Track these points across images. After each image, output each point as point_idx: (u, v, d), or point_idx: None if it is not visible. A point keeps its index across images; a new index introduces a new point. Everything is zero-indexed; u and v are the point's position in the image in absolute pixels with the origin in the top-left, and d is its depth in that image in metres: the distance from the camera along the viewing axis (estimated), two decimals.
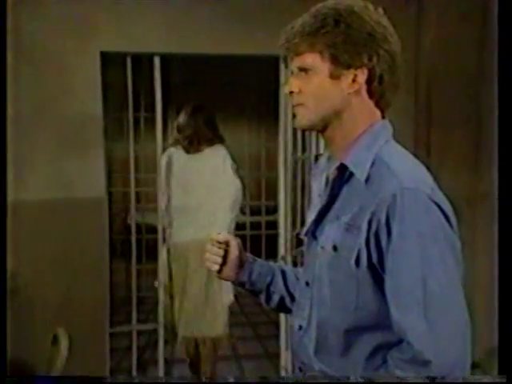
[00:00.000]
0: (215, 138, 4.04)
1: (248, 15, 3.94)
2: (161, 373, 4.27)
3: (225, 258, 1.77)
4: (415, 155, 3.86)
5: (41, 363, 2.85)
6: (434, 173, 3.99)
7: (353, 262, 1.45)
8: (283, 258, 3.95)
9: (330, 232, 1.53)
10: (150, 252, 5.49)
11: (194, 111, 4.09)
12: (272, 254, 4.55)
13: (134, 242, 4.29)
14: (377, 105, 1.54)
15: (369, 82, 1.50)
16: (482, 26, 3.97)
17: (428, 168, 1.51)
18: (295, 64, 1.55)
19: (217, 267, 1.76)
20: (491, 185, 3.94)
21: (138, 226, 4.92)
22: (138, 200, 5.51)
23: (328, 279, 1.55)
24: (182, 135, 4.02)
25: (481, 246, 4.15)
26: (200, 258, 1.98)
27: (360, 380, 1.47)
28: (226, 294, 4.06)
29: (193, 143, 3.98)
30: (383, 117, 1.58)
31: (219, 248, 1.75)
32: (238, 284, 1.84)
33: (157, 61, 3.88)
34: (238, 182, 3.99)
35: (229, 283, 2.15)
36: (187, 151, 3.99)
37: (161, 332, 4.20)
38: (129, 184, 4.34)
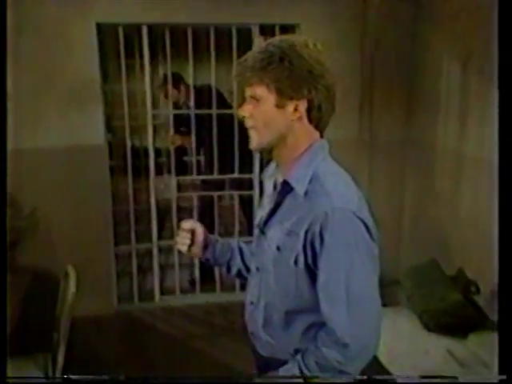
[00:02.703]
0: None
1: None
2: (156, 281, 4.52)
3: (192, 240, 1.85)
4: (361, 108, 4.17)
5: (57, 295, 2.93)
6: (378, 122, 4.32)
7: (292, 261, 1.54)
8: None
9: (275, 234, 1.60)
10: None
11: None
12: None
13: (129, 166, 4.37)
14: (316, 128, 1.58)
15: (309, 110, 1.53)
16: (416, 4, 4.14)
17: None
18: (247, 93, 1.57)
19: (185, 248, 1.85)
20: (421, 132, 4.28)
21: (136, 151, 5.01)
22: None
23: (273, 271, 1.62)
24: None
25: (408, 178, 4.50)
26: None
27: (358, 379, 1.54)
28: None
29: None
30: (322, 136, 1.62)
31: (187, 233, 1.84)
32: (204, 260, 1.93)
33: (144, 30, 3.95)
34: None
35: None
36: None
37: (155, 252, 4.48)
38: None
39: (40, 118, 3.90)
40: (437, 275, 3.44)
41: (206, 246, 1.89)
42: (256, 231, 1.75)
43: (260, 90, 1.52)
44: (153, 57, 4.22)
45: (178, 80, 4.61)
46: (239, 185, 4.55)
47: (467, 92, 3.66)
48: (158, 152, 5.01)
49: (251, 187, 4.45)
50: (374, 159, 4.37)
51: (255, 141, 1.59)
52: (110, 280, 4.38)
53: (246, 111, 1.57)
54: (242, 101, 1.62)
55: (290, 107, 1.52)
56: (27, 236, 3.93)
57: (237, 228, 4.61)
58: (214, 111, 4.29)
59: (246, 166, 4.35)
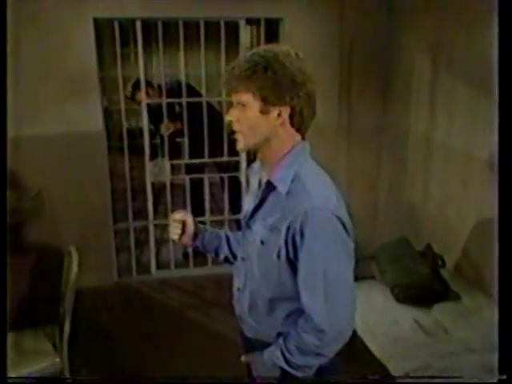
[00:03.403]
0: None
1: None
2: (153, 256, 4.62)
3: (183, 230, 1.88)
4: (340, 96, 4.22)
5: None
6: (355, 109, 4.41)
7: (275, 255, 1.56)
8: None
9: (259, 229, 1.61)
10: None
11: None
12: None
13: (125, 146, 4.39)
14: (298, 131, 1.58)
15: (291, 116, 1.53)
16: (390, 1, 4.20)
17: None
18: (234, 99, 1.56)
19: (177, 237, 1.87)
20: (395, 119, 4.35)
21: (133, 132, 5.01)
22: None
23: (257, 262, 1.65)
24: None
25: (383, 162, 4.57)
26: None
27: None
28: None
29: None
30: (303, 138, 1.62)
31: (178, 224, 1.86)
32: (193, 247, 1.97)
33: (138, 24, 3.96)
34: None
35: None
36: None
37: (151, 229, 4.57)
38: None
39: (41, 106, 3.93)
40: (407, 251, 3.52)
41: (195, 235, 1.91)
42: (242, 223, 1.77)
43: (246, 97, 1.52)
44: (146, 45, 4.23)
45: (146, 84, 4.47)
46: (228, 167, 4.62)
47: (436, 83, 3.73)
48: (152, 134, 5.02)
49: (237, 169, 4.54)
50: (351, 143, 4.45)
51: (241, 143, 1.60)
52: (110, 255, 4.47)
53: (232, 116, 1.58)
54: (230, 106, 1.62)
55: (274, 113, 1.52)
56: (33, 216, 3.99)
57: (226, 205, 4.70)
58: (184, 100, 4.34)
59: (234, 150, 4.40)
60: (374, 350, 2.77)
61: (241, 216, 1.83)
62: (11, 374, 2.59)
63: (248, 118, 1.54)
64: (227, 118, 1.61)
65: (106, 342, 3.67)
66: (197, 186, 4.61)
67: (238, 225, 4.58)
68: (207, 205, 4.64)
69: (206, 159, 4.48)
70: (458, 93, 3.47)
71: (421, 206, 4.09)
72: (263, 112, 1.52)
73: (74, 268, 2.76)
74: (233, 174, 4.59)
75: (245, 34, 4.26)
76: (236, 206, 4.61)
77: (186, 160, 4.52)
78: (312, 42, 4.17)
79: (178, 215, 1.87)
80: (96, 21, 3.88)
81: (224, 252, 1.97)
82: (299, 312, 1.59)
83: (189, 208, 4.56)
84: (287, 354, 1.59)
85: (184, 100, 4.32)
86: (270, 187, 1.60)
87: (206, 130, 4.35)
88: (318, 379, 1.69)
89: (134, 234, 4.61)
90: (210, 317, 4.02)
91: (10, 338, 2.74)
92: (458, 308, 3.11)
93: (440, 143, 3.75)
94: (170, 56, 4.68)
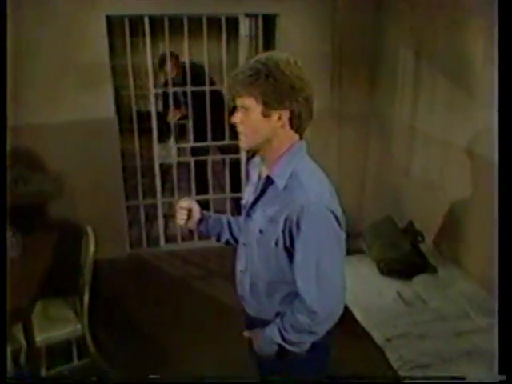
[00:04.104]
0: None
1: None
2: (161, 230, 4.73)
3: (189, 216, 1.90)
4: (332, 84, 4.20)
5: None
6: (346, 97, 4.45)
7: (273, 243, 1.61)
8: None
9: (258, 219, 1.66)
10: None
11: None
12: None
13: (136, 130, 4.48)
14: (296, 132, 1.62)
15: (291, 118, 1.57)
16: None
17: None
18: (238, 103, 1.59)
19: (183, 222, 1.91)
20: (382, 106, 4.41)
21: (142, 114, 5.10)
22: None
23: (256, 249, 1.70)
24: None
25: (371, 145, 4.64)
26: None
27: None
28: None
29: None
30: (301, 138, 1.66)
31: (184, 211, 1.89)
32: (198, 231, 2.01)
33: (146, 20, 4.05)
34: None
35: None
36: None
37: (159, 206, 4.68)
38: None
39: (59, 97, 4.02)
40: (391, 229, 3.63)
41: (200, 221, 1.94)
42: (243, 213, 1.81)
43: (249, 102, 1.55)
44: (153, 36, 4.32)
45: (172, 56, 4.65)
46: (229, 149, 4.71)
47: (419, 75, 3.80)
48: (159, 116, 5.08)
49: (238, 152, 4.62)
50: (342, 127, 4.52)
51: (245, 143, 1.64)
52: (122, 229, 4.60)
53: (237, 118, 1.61)
54: (234, 109, 1.64)
55: (275, 116, 1.55)
56: (54, 197, 4.10)
57: (228, 182, 4.80)
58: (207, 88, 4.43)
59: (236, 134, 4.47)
60: (361, 319, 2.89)
61: (242, 202, 1.87)
62: (39, 337, 2.76)
63: (251, 120, 1.57)
64: (231, 120, 1.64)
65: (120, 308, 3.80)
66: (201, 166, 4.71)
67: (236, 203, 4.70)
68: (210, 184, 4.76)
69: (209, 142, 4.59)
70: (439, 85, 3.55)
71: (404, 186, 4.17)
72: (265, 115, 1.55)
73: (91, 247, 2.85)
74: (234, 156, 4.68)
75: (244, 26, 4.35)
76: (236, 185, 4.73)
77: (191, 143, 4.61)
78: (306, 35, 4.23)
79: (185, 203, 1.90)
80: (108, 17, 3.97)
81: (225, 236, 2.01)
82: (295, 294, 1.64)
83: (193, 186, 4.70)
84: (283, 332, 1.66)
85: (189, 89, 4.41)
86: (269, 181, 1.64)
87: (208, 116, 4.44)
88: (318, 379, 1.78)
89: (144, 211, 4.73)
90: (212, 285, 4.14)
91: (39, 305, 2.85)
92: (434, 280, 3.25)
93: (421, 130, 3.84)
94: (175, 45, 4.72)
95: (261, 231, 1.65)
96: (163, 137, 5.01)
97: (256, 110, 1.55)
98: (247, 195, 1.81)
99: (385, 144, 4.42)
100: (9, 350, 2.73)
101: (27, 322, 2.66)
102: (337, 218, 1.56)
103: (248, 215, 1.75)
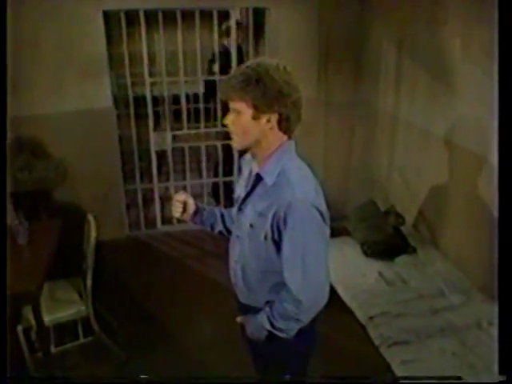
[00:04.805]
0: None
1: None
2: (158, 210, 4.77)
3: (184, 208, 1.92)
4: (319, 74, 4.11)
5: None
6: (332, 86, 4.46)
7: (262, 236, 1.65)
8: None
9: (249, 214, 1.70)
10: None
11: None
12: None
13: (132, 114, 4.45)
14: (285, 133, 1.64)
15: (279, 121, 1.59)
16: None
17: None
18: (230, 105, 1.62)
19: (179, 214, 1.91)
20: (366, 96, 4.45)
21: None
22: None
23: (248, 241, 1.74)
24: None
25: (356, 132, 4.70)
26: None
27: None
28: None
29: None
30: (290, 137, 1.68)
31: (180, 204, 1.90)
32: (193, 222, 1.99)
33: (141, 13, 4.03)
34: None
35: None
36: None
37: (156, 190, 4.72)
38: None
39: (60, 89, 4.03)
40: (374, 212, 3.70)
41: (195, 213, 1.95)
42: (235, 207, 1.84)
43: (240, 105, 1.57)
44: (148, 27, 4.31)
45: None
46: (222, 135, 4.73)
47: (401, 68, 3.84)
48: (155, 100, 5.07)
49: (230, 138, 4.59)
50: (328, 115, 4.55)
51: (236, 143, 1.67)
52: (121, 212, 4.65)
53: (229, 119, 1.64)
54: (227, 111, 1.66)
55: (264, 119, 1.58)
56: (57, 183, 4.14)
57: (221, 167, 4.82)
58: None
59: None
60: (345, 298, 2.99)
61: (234, 196, 1.90)
62: (47, 318, 2.83)
63: (242, 122, 1.60)
64: (224, 122, 1.67)
65: (121, 287, 3.86)
66: (195, 152, 4.73)
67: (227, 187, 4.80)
68: (204, 168, 4.81)
69: (202, 129, 4.62)
70: (419, 78, 3.59)
71: (387, 171, 4.24)
72: (255, 118, 1.58)
73: (93, 233, 2.88)
74: (226, 142, 4.70)
75: (235, 17, 4.35)
76: (228, 170, 4.78)
77: (185, 130, 4.64)
78: (294, 27, 4.25)
79: (181, 197, 1.90)
80: (105, 12, 3.97)
81: (219, 227, 2.04)
82: (283, 283, 1.68)
83: (188, 170, 4.73)
84: (272, 320, 1.73)
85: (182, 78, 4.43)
86: (258, 178, 1.68)
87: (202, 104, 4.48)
88: (317, 379, 1.88)
89: (141, 194, 4.77)
90: (206, 265, 4.21)
91: (45, 288, 2.89)
92: (414, 260, 3.34)
93: (403, 119, 3.89)
94: (169, 34, 4.71)
95: (251, 225, 1.69)
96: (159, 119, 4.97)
97: (247, 113, 1.58)
98: (239, 190, 1.84)
99: (369, 131, 4.47)
100: (20, 328, 2.82)
101: (36, 305, 2.72)
102: (321, 214, 1.60)
103: (240, 209, 1.79)
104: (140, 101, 4.88)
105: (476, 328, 2.68)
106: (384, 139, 4.23)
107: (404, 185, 3.95)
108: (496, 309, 2.65)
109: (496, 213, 2.73)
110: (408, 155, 3.89)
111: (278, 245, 1.65)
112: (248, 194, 1.74)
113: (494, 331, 2.60)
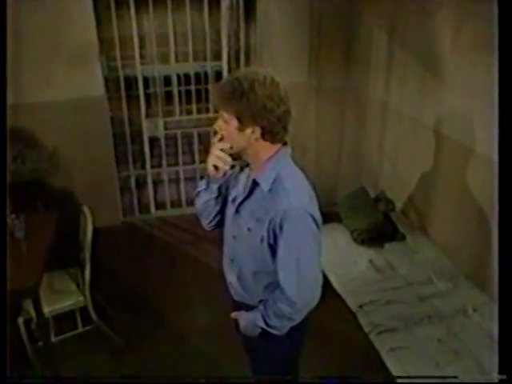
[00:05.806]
0: None
1: None
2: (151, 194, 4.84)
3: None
4: (310, 61, 4.24)
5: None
6: (323, 72, 4.47)
7: (259, 240, 1.71)
8: None
9: (247, 218, 1.75)
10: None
11: None
12: None
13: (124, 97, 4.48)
14: (272, 143, 1.67)
15: (263, 133, 1.63)
16: None
17: None
18: (220, 112, 1.67)
19: (222, 165, 1.73)
20: (357, 83, 4.46)
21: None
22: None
23: (244, 243, 1.80)
24: None
25: (347, 120, 4.72)
26: None
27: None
28: None
29: None
30: (285, 144, 1.72)
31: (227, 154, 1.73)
32: (217, 186, 1.84)
33: None
34: None
35: None
36: None
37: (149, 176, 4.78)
38: None
39: (51, 77, 4.03)
40: (365, 200, 3.78)
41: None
42: (232, 208, 1.83)
43: (226, 115, 1.63)
44: (138, 9, 4.30)
45: None
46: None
47: (391, 56, 3.87)
48: (146, 81, 5.05)
49: None
50: (319, 101, 4.58)
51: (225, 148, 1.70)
52: (115, 199, 4.71)
53: (218, 126, 1.69)
54: (217, 116, 1.72)
55: (248, 131, 1.62)
56: (51, 172, 4.17)
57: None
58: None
59: None
60: (337, 287, 3.07)
61: (229, 198, 1.86)
62: (46, 309, 2.89)
63: (228, 130, 1.66)
64: (214, 127, 1.72)
65: (117, 274, 3.92)
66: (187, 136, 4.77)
67: None
68: (196, 155, 4.86)
69: (195, 115, 4.65)
70: (409, 67, 3.63)
71: (377, 159, 4.29)
72: (239, 129, 1.63)
73: (89, 225, 2.92)
74: None
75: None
76: None
77: (177, 117, 4.67)
78: (286, 13, 4.24)
79: (226, 146, 1.72)
80: None
81: (217, 206, 1.92)
82: (276, 284, 1.75)
83: (180, 156, 4.78)
84: (266, 318, 1.80)
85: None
86: (255, 184, 1.72)
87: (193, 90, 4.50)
88: (316, 379, 1.90)
89: (135, 180, 4.82)
90: (200, 250, 4.27)
91: (44, 279, 2.91)
92: (403, 247, 3.43)
93: (393, 107, 3.93)
94: (159, 16, 4.70)
95: (249, 229, 1.75)
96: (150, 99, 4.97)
97: (232, 123, 1.63)
98: (234, 192, 1.85)
99: (359, 118, 4.50)
100: (21, 320, 2.88)
101: (35, 297, 2.77)
102: (315, 220, 1.66)
103: (237, 211, 1.81)
104: (131, 83, 4.89)
105: (462, 315, 2.77)
106: (374, 126, 4.27)
107: (394, 171, 4.01)
108: (481, 295, 2.84)
109: (483, 203, 2.85)
110: (398, 142, 3.93)
111: (273, 248, 1.72)
112: (245, 198, 1.78)
113: (479, 318, 2.73)
